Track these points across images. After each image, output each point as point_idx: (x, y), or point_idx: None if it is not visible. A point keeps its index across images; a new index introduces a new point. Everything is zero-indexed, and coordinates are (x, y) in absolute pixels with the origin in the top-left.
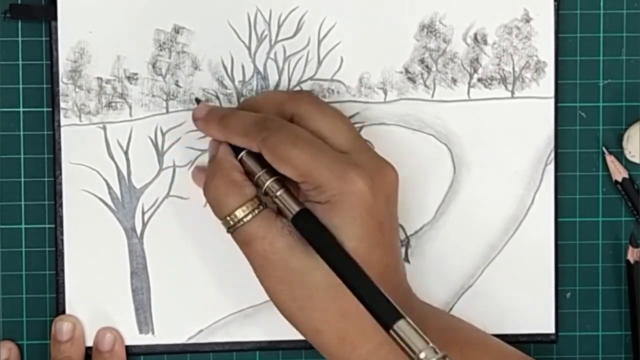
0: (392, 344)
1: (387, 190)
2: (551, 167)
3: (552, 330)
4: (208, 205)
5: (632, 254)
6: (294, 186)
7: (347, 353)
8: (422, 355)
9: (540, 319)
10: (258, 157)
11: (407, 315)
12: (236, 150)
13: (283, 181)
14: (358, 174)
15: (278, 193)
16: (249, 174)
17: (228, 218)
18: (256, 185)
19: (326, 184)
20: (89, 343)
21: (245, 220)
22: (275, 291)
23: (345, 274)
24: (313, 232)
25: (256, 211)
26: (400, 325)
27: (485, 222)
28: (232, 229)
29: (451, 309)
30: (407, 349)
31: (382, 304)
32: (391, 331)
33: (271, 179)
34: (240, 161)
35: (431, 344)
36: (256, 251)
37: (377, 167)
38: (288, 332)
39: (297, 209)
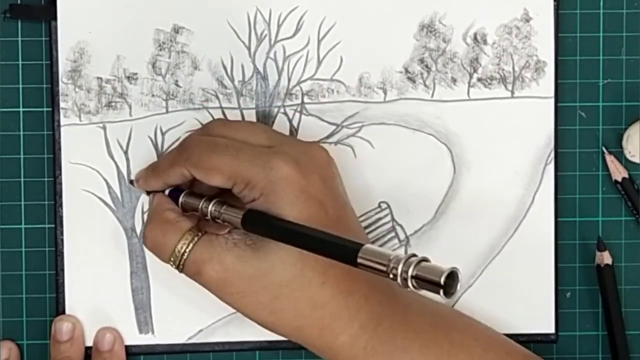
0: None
1: (319, 169)
2: (551, 167)
3: (552, 330)
4: None
5: (599, 258)
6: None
7: (330, 342)
8: (391, 265)
9: (540, 318)
10: (196, 195)
11: (387, 300)
12: (176, 197)
13: (224, 201)
14: (282, 159)
15: (222, 210)
16: (195, 212)
17: (172, 258)
18: (204, 216)
19: (254, 178)
20: (89, 343)
21: (187, 251)
22: (242, 305)
23: (302, 240)
24: (262, 224)
25: (195, 239)
26: (363, 252)
27: (486, 221)
28: (180, 265)
29: (452, 307)
30: (378, 267)
31: (341, 243)
32: (358, 261)
33: (212, 203)
34: (183, 204)
35: (395, 253)
36: (209, 275)
37: (303, 150)
38: None
39: (242, 214)
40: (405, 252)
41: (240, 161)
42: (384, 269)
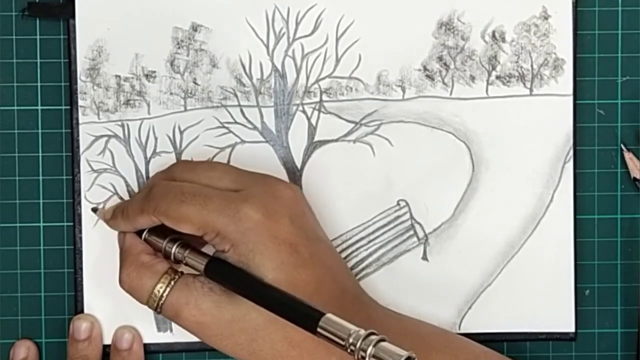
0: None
1: (287, 210)
2: (570, 165)
3: (572, 329)
4: None
5: None
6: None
7: None
8: (351, 340)
9: (559, 317)
10: (160, 231)
11: (363, 322)
12: (141, 234)
13: (188, 243)
14: (250, 207)
15: (186, 254)
16: (158, 251)
17: (150, 300)
18: (166, 258)
19: (223, 228)
20: (107, 341)
21: (165, 294)
22: (222, 346)
23: (263, 300)
24: (225, 276)
25: (172, 282)
26: (324, 322)
27: (504, 220)
28: (158, 308)
29: (470, 307)
30: (336, 340)
31: (302, 311)
32: (318, 330)
33: (175, 245)
34: (146, 241)
35: (356, 328)
36: (187, 319)
37: (270, 192)
38: None
39: (205, 262)
40: (424, 250)
41: (209, 211)
42: (342, 342)
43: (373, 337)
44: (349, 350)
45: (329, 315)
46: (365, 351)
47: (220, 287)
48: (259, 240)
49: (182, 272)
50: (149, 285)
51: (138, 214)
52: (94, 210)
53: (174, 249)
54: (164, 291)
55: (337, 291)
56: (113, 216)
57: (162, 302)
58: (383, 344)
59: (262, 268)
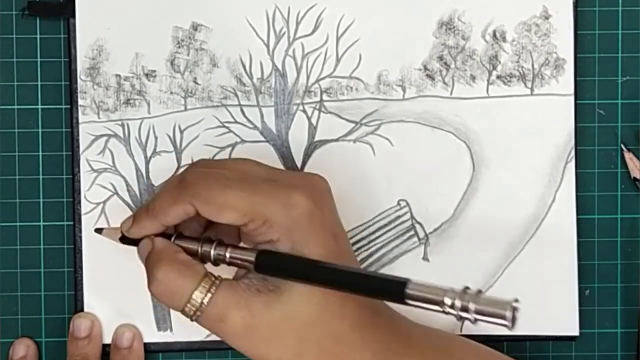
0: (382, 351)
1: (327, 200)
2: (572, 165)
3: (576, 330)
4: None
5: None
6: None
7: None
8: (447, 301)
9: (562, 318)
10: (187, 237)
11: (391, 325)
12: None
13: (224, 242)
14: (301, 194)
15: (228, 254)
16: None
17: (188, 306)
18: (202, 261)
19: (273, 215)
20: (107, 340)
21: (205, 300)
22: (267, 352)
23: (334, 281)
24: (282, 265)
25: (214, 288)
26: (410, 289)
27: (506, 220)
28: (198, 312)
29: None
30: (430, 305)
31: (383, 283)
32: (407, 300)
33: (213, 246)
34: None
35: (447, 287)
36: (234, 323)
37: (311, 182)
38: None
39: (254, 255)
40: (425, 250)
41: (258, 197)
42: (437, 304)
43: (470, 291)
44: (446, 311)
45: (414, 280)
46: (466, 309)
47: (268, 287)
48: (311, 228)
49: (220, 276)
50: (189, 288)
51: (170, 205)
52: (99, 230)
53: (212, 250)
54: (204, 297)
55: None
56: (135, 220)
57: (203, 306)
58: (483, 296)
59: (314, 256)
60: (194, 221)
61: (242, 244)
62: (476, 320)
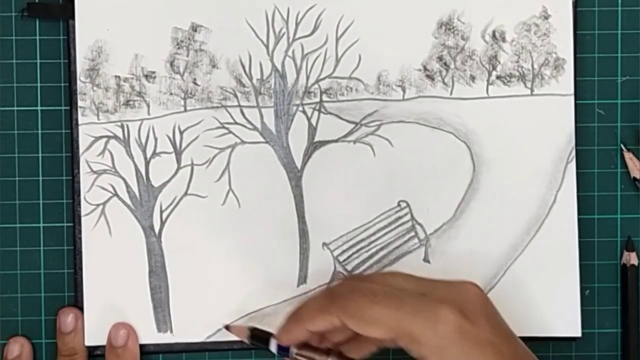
0: None
1: (482, 310)
2: (573, 165)
3: (578, 331)
4: (226, 204)
5: (627, 258)
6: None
7: None
8: None
9: (564, 319)
10: (308, 346)
11: None
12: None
13: (344, 356)
14: (448, 309)
15: None
16: None
17: None
18: None
19: (420, 332)
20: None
21: None
22: None
23: None
24: None
25: None
26: None
27: (507, 221)
28: None
29: None
30: None
31: None
32: None
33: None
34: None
35: None
36: None
37: (460, 293)
38: None
39: None
40: (425, 251)
41: (404, 314)
42: None
43: None
44: None
45: None
46: None
47: None
48: (462, 344)
49: None
50: None
51: (316, 314)
52: (227, 327)
53: None
54: None
55: None
56: (285, 325)
57: None
58: None
59: None
60: (340, 331)
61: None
62: None
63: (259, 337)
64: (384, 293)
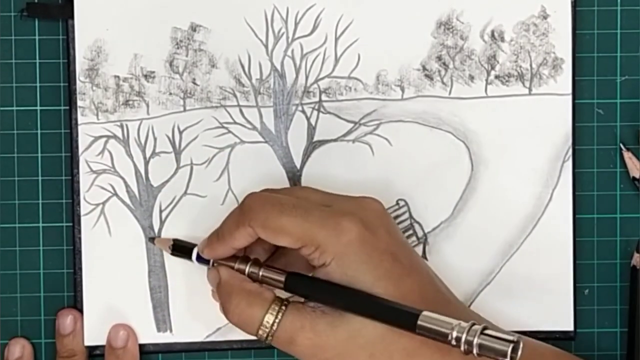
0: None
1: (381, 222)
2: (569, 164)
3: (571, 328)
4: (225, 203)
5: (636, 259)
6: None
7: None
8: (454, 334)
9: (559, 316)
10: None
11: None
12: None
13: (259, 262)
14: (350, 220)
15: (261, 273)
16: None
17: (261, 330)
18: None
19: (324, 241)
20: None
21: (276, 322)
22: None
23: (352, 306)
24: (308, 288)
25: (283, 308)
26: (422, 320)
27: (504, 219)
28: (269, 337)
29: (469, 306)
30: (438, 336)
31: (400, 312)
32: (417, 329)
33: (248, 264)
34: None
35: (457, 321)
36: (303, 343)
37: (362, 206)
38: None
39: (284, 277)
40: (423, 249)
41: (310, 223)
42: (446, 337)
43: (476, 326)
44: (453, 343)
45: (426, 312)
46: (471, 343)
47: (332, 308)
48: (362, 252)
49: (287, 299)
50: (259, 313)
51: (234, 229)
52: (152, 240)
53: (247, 268)
54: (275, 318)
55: (440, 298)
56: (208, 242)
57: (274, 330)
58: (488, 331)
59: (366, 278)
60: (260, 246)
61: (275, 265)
62: (479, 355)
63: (181, 248)
64: (291, 204)
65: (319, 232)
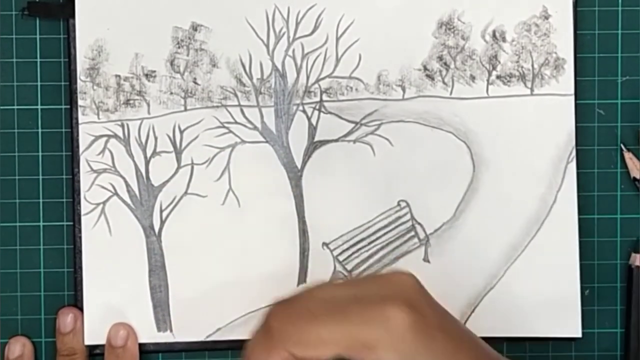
0: None
1: (424, 298)
2: (573, 165)
3: (579, 334)
4: (226, 203)
5: (634, 259)
6: None
7: None
8: None
9: (565, 319)
10: None
11: None
12: None
13: None
14: (393, 305)
15: None
16: None
17: None
18: None
19: (371, 337)
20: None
21: None
22: None
23: None
24: None
25: None
26: None
27: (507, 221)
28: None
29: (473, 310)
30: None
31: None
32: None
33: None
34: None
35: None
36: None
37: (397, 285)
38: None
39: None
40: (425, 251)
41: (350, 323)
42: None
43: None
44: None
45: None
46: None
47: None
48: (416, 338)
49: None
50: None
51: (266, 356)
52: None
53: None
54: None
55: None
56: None
57: None
58: None
59: None
60: None
61: None
62: None
63: None
64: (323, 308)
65: (363, 330)
